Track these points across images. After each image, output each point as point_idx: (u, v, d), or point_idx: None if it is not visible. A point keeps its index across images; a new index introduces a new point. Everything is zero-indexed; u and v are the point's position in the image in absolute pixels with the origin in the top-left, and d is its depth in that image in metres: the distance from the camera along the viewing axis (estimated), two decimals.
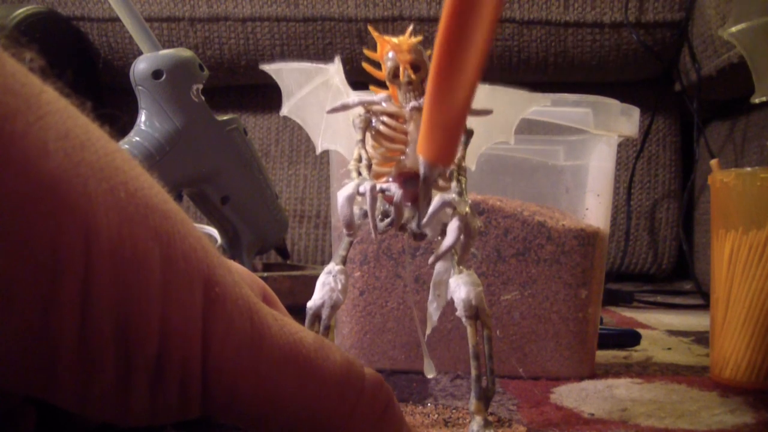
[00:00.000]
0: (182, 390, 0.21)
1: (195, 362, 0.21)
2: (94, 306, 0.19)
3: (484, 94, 0.38)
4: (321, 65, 0.39)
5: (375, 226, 0.32)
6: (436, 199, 0.31)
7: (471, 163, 0.41)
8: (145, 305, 0.20)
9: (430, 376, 0.41)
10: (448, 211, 0.32)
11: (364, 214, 0.34)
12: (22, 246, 0.18)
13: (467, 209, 0.31)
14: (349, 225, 0.32)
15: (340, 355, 0.25)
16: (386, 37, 0.34)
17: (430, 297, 0.37)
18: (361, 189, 0.32)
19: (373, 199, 0.32)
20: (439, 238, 0.33)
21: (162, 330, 0.20)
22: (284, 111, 0.41)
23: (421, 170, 0.30)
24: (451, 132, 0.27)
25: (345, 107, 0.36)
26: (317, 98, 0.40)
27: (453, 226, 0.30)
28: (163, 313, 0.20)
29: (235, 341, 0.22)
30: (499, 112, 0.38)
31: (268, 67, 0.40)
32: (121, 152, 0.21)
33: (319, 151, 0.42)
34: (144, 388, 0.21)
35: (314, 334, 0.25)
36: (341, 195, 0.32)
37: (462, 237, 0.31)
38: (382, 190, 0.32)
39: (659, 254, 1.28)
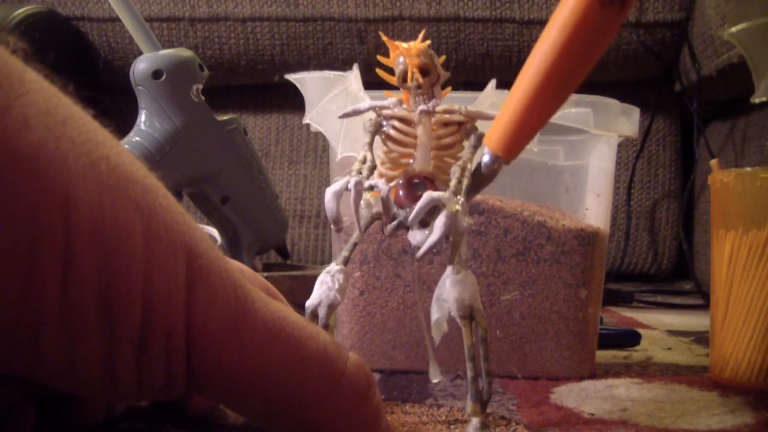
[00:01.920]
0: (167, 362, 0.22)
1: (179, 333, 0.21)
2: (76, 275, 0.19)
3: (496, 97, 0.38)
4: (341, 73, 0.40)
5: (359, 221, 0.33)
6: (425, 196, 0.31)
7: None
8: (127, 274, 0.20)
9: (434, 380, 0.41)
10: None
11: (374, 215, 0.35)
12: (0, 216, 0.18)
13: (457, 207, 0.30)
14: (336, 220, 0.33)
15: (323, 335, 0.25)
16: (396, 42, 0.34)
17: (432, 303, 0.36)
18: (349, 185, 0.32)
19: (358, 194, 0.32)
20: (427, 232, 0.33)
21: (145, 299, 0.21)
22: (306, 119, 0.42)
23: (484, 159, 0.31)
24: (526, 137, 0.30)
25: (356, 112, 0.36)
26: (337, 106, 0.40)
27: (438, 223, 0.30)
28: (145, 282, 0.20)
29: (218, 313, 0.22)
30: None
31: (293, 77, 0.41)
32: (103, 130, 0.21)
33: (339, 158, 0.42)
34: (129, 360, 0.21)
35: (299, 315, 0.25)
36: (329, 191, 0.32)
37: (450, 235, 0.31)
38: (371, 187, 0.32)
39: (659, 254, 1.28)
